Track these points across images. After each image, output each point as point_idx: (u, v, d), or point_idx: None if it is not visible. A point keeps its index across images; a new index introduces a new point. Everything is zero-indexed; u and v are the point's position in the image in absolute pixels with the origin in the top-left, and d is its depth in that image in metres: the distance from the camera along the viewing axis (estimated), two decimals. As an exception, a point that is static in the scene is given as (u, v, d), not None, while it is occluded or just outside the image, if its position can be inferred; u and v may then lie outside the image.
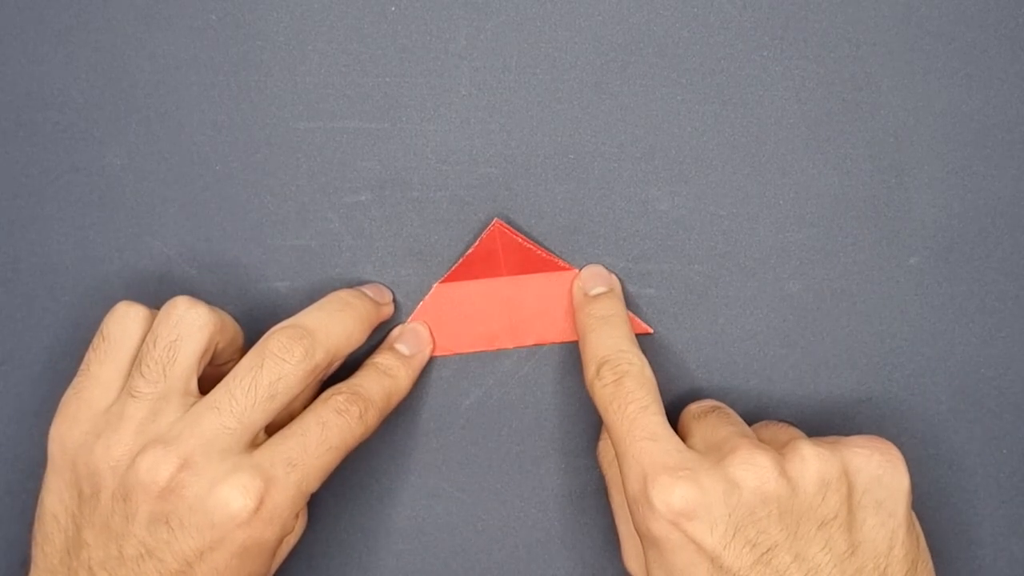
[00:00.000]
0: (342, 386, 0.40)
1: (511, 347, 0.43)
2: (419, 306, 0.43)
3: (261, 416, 0.38)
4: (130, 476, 0.37)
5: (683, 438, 0.39)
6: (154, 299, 0.43)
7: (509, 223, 0.43)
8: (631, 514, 0.37)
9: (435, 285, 0.43)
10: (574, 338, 0.43)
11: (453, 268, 0.43)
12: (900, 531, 0.37)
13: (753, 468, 0.36)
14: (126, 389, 0.38)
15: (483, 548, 0.44)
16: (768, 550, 0.36)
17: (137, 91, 0.43)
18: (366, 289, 0.43)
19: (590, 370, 0.40)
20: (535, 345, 0.43)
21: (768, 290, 0.43)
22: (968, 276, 0.43)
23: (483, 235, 0.43)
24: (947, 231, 0.43)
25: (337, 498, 0.43)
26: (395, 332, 0.43)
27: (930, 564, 0.38)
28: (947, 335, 0.43)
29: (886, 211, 0.43)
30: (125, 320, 0.40)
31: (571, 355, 0.44)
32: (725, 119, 0.43)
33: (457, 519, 0.44)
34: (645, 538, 0.37)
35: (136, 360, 0.39)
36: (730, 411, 0.41)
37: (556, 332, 0.43)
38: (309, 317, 0.40)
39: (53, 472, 0.39)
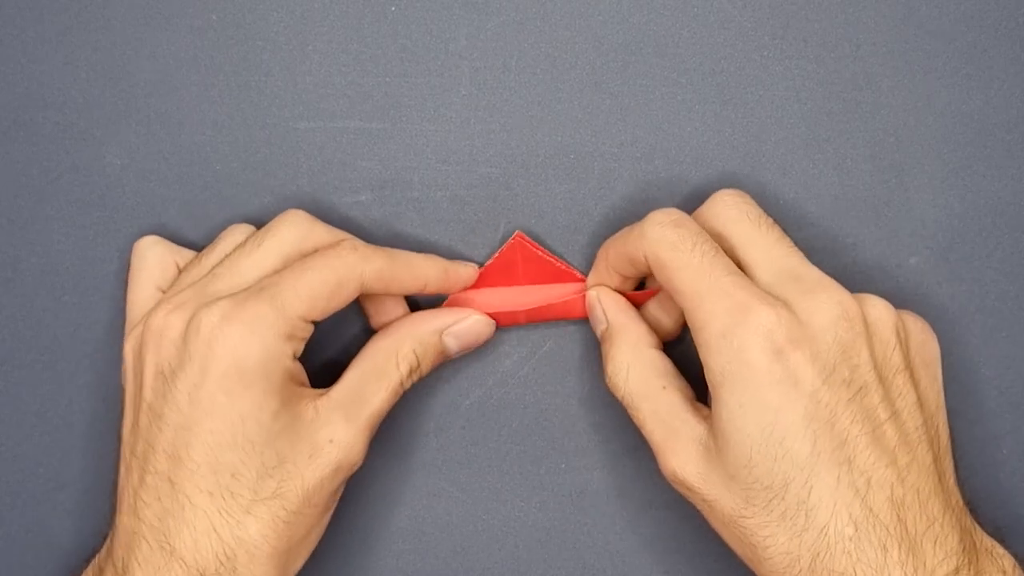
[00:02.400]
0: None
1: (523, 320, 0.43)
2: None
3: (252, 264, 0.39)
4: (138, 342, 0.38)
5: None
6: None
7: (509, 223, 0.43)
8: (713, 357, 0.36)
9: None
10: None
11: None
12: (941, 397, 0.38)
13: (843, 306, 0.36)
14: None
15: (483, 548, 0.44)
16: (860, 389, 0.36)
17: (137, 91, 0.43)
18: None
19: (636, 226, 0.39)
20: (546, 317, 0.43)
21: (768, 290, 0.43)
22: (968, 276, 0.43)
23: (503, 248, 0.42)
24: (947, 231, 0.43)
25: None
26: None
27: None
28: (947, 335, 0.43)
29: (886, 211, 0.43)
30: (237, 229, 0.41)
31: (571, 355, 0.44)
32: (725, 119, 0.43)
33: (457, 519, 0.44)
34: (735, 377, 0.35)
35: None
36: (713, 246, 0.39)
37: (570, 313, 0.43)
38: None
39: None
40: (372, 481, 0.44)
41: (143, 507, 0.36)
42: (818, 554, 0.35)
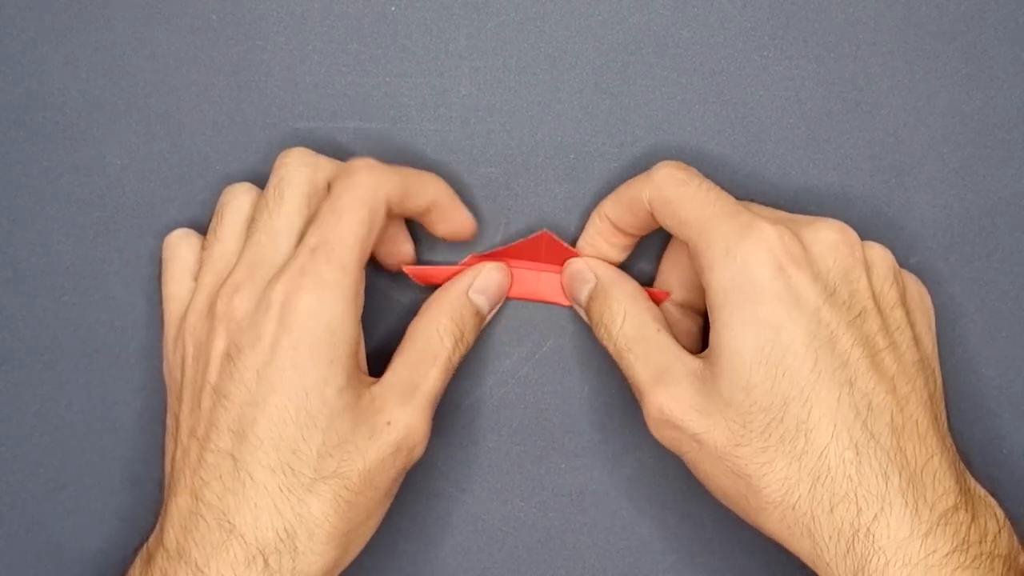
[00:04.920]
0: None
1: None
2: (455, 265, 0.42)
3: (285, 221, 0.38)
4: (200, 328, 0.38)
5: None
6: (153, 299, 0.43)
7: (509, 223, 0.43)
8: (716, 275, 0.36)
9: (471, 255, 0.42)
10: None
11: (493, 250, 0.42)
12: (935, 348, 0.39)
13: (843, 232, 0.37)
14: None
15: (483, 548, 0.44)
16: (860, 313, 0.36)
17: (137, 91, 0.43)
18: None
19: (641, 174, 0.39)
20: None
21: (768, 290, 0.43)
22: (968, 276, 0.43)
23: (529, 237, 0.42)
24: (947, 231, 0.43)
25: (337, 498, 0.43)
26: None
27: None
28: (947, 335, 0.43)
29: (886, 211, 0.43)
30: (237, 192, 0.41)
31: (571, 355, 0.44)
32: (725, 119, 0.43)
33: (457, 519, 0.44)
34: (738, 293, 0.35)
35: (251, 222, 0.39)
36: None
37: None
38: None
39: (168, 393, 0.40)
40: (372, 481, 0.44)
41: (202, 486, 0.36)
42: (818, 478, 0.34)
